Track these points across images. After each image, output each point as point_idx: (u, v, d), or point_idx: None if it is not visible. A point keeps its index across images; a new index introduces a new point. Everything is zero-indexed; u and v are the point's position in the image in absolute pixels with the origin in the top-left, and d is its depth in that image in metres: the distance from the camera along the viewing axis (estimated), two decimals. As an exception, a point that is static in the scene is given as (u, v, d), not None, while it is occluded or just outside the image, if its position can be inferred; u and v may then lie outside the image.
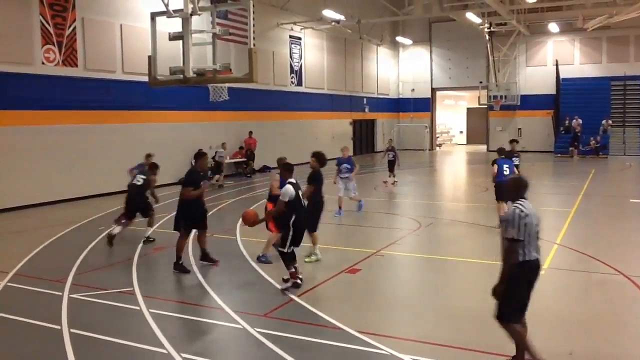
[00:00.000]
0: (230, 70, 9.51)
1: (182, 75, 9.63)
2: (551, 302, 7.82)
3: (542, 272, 8.81)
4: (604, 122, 34.35)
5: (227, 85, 11.15)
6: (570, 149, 32.33)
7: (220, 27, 10.29)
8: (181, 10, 9.71)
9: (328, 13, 27.29)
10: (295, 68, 28.70)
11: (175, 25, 9.98)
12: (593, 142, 32.37)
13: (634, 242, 11.28)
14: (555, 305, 7.69)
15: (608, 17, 29.19)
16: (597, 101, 35.34)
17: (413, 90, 41.77)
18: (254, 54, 9.10)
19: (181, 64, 9.78)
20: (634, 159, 30.52)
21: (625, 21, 29.71)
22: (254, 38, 9.75)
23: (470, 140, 47.21)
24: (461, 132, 48.94)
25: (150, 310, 7.20)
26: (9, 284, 8.56)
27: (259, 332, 6.44)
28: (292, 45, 28.36)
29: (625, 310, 7.33)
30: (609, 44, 35.94)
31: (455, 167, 30.74)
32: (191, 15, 9.58)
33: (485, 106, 38.90)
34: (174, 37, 9.67)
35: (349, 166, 14.00)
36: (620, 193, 17.45)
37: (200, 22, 11.29)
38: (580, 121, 34.54)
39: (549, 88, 36.64)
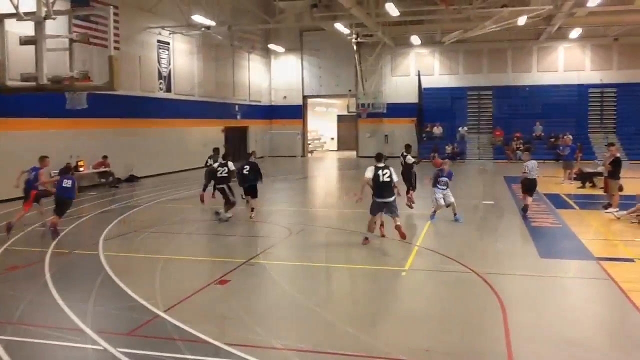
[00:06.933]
0: (89, 77, 9.05)
1: (35, 83, 9.02)
2: (409, 302, 8.31)
3: (403, 274, 9.44)
4: (460, 129, 37.03)
5: (86, 92, 10.63)
6: (432, 154, 34.29)
7: (79, 30, 9.82)
8: (34, 13, 9.10)
9: (198, 18, 26.85)
10: (164, 73, 27.90)
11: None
12: (450, 148, 34.62)
13: (486, 242, 12.23)
14: (413, 304, 8.17)
15: (463, 32, 31.41)
16: (455, 109, 37.97)
17: (285, 97, 42.21)
18: (115, 61, 8.76)
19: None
20: (487, 163, 33.13)
21: (478, 36, 32.11)
22: (117, 43, 9.40)
23: (341, 147, 48.52)
24: (332, 138, 50.17)
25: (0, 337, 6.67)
26: None
27: (121, 353, 6.19)
28: (160, 50, 27.55)
29: (476, 307, 7.90)
30: (465, 56, 38.73)
31: (327, 173, 31.50)
32: (45, 19, 9.01)
33: (355, 113, 40.27)
34: (25, 42, 9.03)
35: (448, 180, 14.16)
36: (475, 196, 18.79)
37: (60, 25, 10.65)
38: (441, 128, 37.05)
39: (413, 97, 38.67)
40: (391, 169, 11.43)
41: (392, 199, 11.43)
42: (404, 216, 13.55)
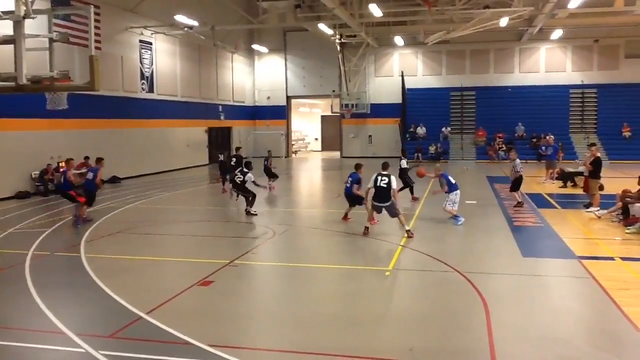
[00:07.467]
0: (70, 77, 8.94)
1: (14, 83, 8.88)
2: (393, 301, 8.32)
3: (386, 274, 9.46)
4: (443, 129, 37.27)
5: (66, 92, 10.50)
6: (416, 154, 34.51)
7: (59, 30, 9.72)
8: (12, 12, 8.96)
9: (180, 18, 26.70)
10: (146, 74, 27.69)
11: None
12: (433, 148, 35.05)
13: (469, 241, 12.29)
14: (396, 303, 8.19)
15: (446, 33, 31.59)
16: (438, 110, 38.21)
17: (269, 97, 42.16)
18: (96, 61, 8.66)
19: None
20: (470, 163, 33.34)
21: (461, 37, 32.36)
22: (98, 43, 9.31)
23: (325, 147, 48.59)
24: (316, 139, 50.21)
25: (-21, 340, 6.57)
26: None
27: (103, 355, 6.12)
28: (143, 50, 27.33)
29: (460, 306, 7.93)
30: (448, 57, 38.99)
31: (311, 173, 31.48)
32: (24, 18, 8.87)
33: (338, 114, 40.34)
34: (4, 41, 8.90)
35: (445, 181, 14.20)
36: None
37: (40, 24, 10.46)
38: (425, 129, 37.31)
39: (396, 97, 38.81)
40: (392, 177, 12.34)
41: (387, 203, 12.31)
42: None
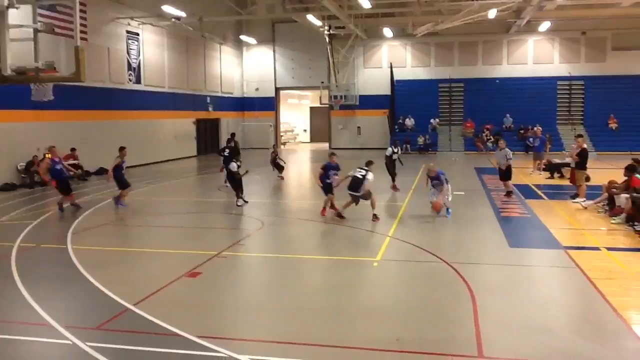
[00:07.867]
0: (55, 68, 8.84)
1: (-2, 74, 8.78)
2: (381, 292, 8.35)
3: (374, 264, 9.50)
4: (432, 120, 37.35)
5: (52, 83, 10.37)
6: (405, 145, 34.56)
7: (44, 20, 9.60)
8: (-4, 2, 8.85)
9: (168, 9, 26.48)
10: (134, 65, 27.46)
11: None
12: (421, 140, 35.19)
13: (457, 232, 12.35)
14: (384, 294, 8.23)
15: (434, 25, 31.58)
16: (426, 102, 38.24)
17: (257, 89, 42.01)
18: (81, 52, 8.57)
19: None
20: (459, 154, 33.46)
21: (450, 29, 32.34)
22: (84, 33, 9.22)
23: (313, 139, 48.51)
24: (305, 130, 50.12)
25: (-36, 333, 6.53)
26: None
27: (90, 347, 6.10)
28: (130, 41, 27.09)
29: (447, 296, 7.97)
30: (437, 49, 39.00)
31: (299, 165, 31.45)
32: (7, 7, 8.75)
33: (327, 105, 40.29)
34: (-13, 32, 8.80)
35: (438, 182, 14.00)
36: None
37: (25, 14, 10.31)
38: (413, 120, 37.34)
39: (385, 89, 38.80)
40: (370, 173, 13.13)
41: (358, 193, 13.17)
42: (383, 207, 13.66)
